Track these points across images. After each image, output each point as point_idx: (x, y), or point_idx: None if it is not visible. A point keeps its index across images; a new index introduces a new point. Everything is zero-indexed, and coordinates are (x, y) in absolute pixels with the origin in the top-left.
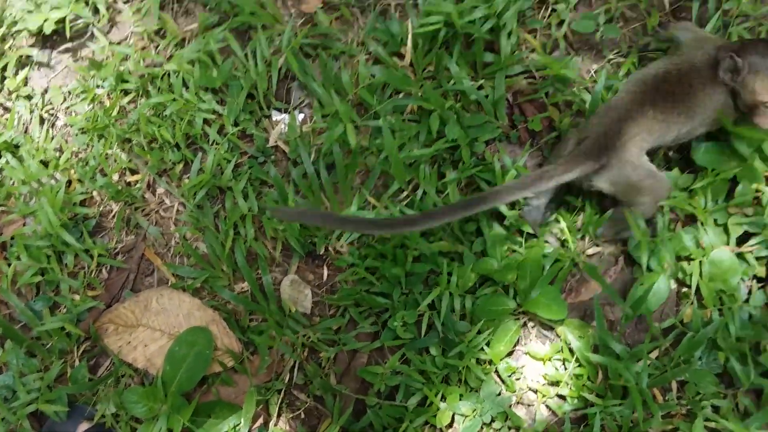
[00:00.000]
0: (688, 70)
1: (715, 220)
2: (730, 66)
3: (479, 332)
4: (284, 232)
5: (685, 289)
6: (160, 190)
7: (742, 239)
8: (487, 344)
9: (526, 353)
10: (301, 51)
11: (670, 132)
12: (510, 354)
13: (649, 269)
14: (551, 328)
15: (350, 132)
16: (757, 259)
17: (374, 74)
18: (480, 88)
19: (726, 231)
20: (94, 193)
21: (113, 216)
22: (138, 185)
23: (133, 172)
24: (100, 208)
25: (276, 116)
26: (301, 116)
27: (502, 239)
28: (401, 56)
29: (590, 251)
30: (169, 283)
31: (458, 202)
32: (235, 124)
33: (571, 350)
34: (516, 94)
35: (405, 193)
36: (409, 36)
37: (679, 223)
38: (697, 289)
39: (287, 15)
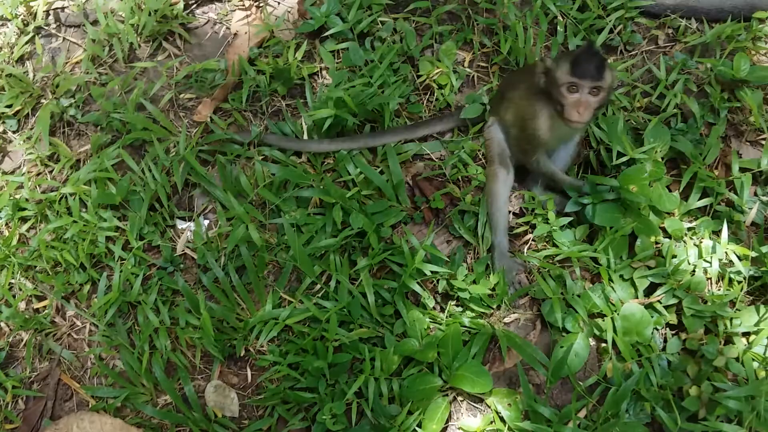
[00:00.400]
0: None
1: (621, 276)
2: (540, 68)
3: (410, 413)
4: (201, 339)
5: (604, 344)
6: (69, 313)
7: (650, 290)
8: (419, 425)
9: (459, 429)
10: (198, 158)
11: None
12: (443, 431)
13: (566, 330)
14: (481, 400)
15: (254, 232)
16: (667, 307)
17: (273, 173)
18: (381, 172)
19: (633, 285)
20: (2, 324)
21: (24, 345)
22: (46, 311)
23: (40, 298)
24: (9, 339)
25: (181, 225)
26: (206, 222)
27: (421, 318)
28: (299, 153)
29: (507, 319)
30: (90, 406)
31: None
32: (140, 238)
33: (502, 419)
34: (415, 176)
35: (319, 285)
36: (305, 133)
37: (587, 282)
38: (615, 343)
39: (180, 126)
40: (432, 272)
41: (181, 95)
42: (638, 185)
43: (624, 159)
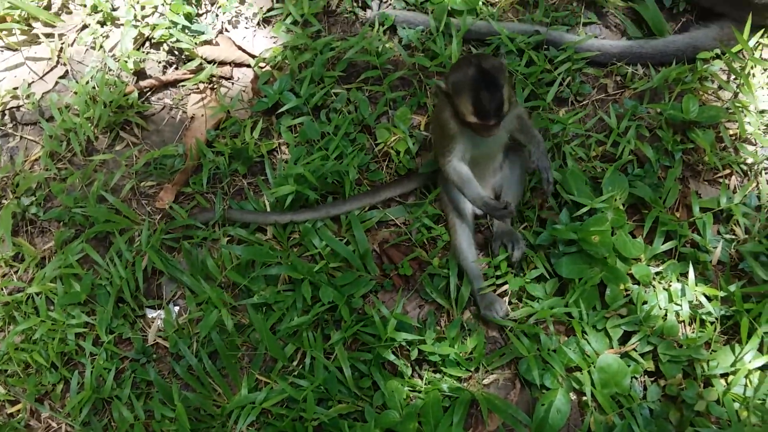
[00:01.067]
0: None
1: (595, 327)
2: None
3: None
4: None
5: (585, 398)
6: (44, 415)
7: (624, 339)
8: None
9: None
10: (164, 245)
11: None
12: None
13: (545, 387)
14: None
15: (225, 316)
16: (643, 355)
17: (239, 254)
18: (347, 243)
19: (607, 335)
20: None
21: None
22: (20, 415)
23: (13, 402)
24: None
25: (151, 314)
26: (176, 309)
27: (400, 388)
28: (264, 231)
29: (486, 380)
30: None
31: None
32: (111, 332)
33: None
34: (381, 244)
35: (295, 363)
36: (268, 208)
37: (563, 335)
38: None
39: (144, 214)
40: (405, 340)
41: (142, 183)
42: (600, 235)
43: (585, 209)
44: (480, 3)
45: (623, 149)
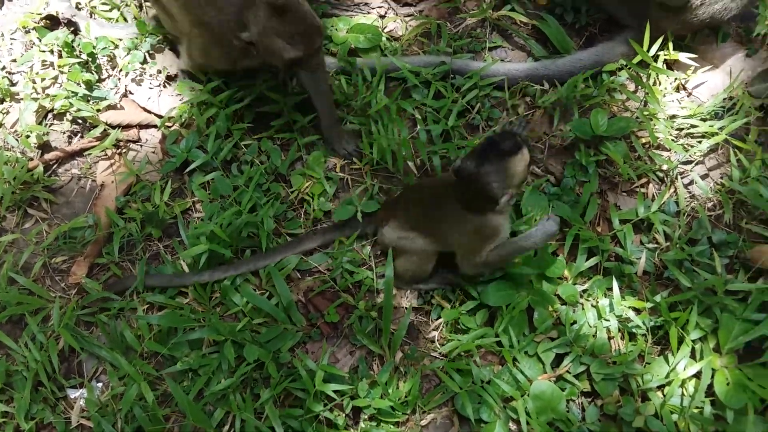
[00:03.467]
0: None
1: (526, 353)
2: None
3: None
4: None
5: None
6: None
7: (557, 362)
8: None
9: None
10: (80, 321)
11: None
12: None
13: (483, 421)
14: None
15: (145, 389)
16: (577, 376)
17: (159, 322)
18: (269, 297)
19: (539, 359)
20: None
21: None
22: None
23: None
24: None
25: (73, 394)
26: (99, 386)
27: None
28: (185, 294)
29: (424, 421)
30: None
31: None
32: (31, 418)
33: None
34: (306, 293)
35: (226, 427)
36: (185, 270)
37: (496, 365)
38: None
39: (58, 291)
40: (335, 392)
41: (53, 259)
42: (522, 257)
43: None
44: (383, 39)
45: (539, 168)
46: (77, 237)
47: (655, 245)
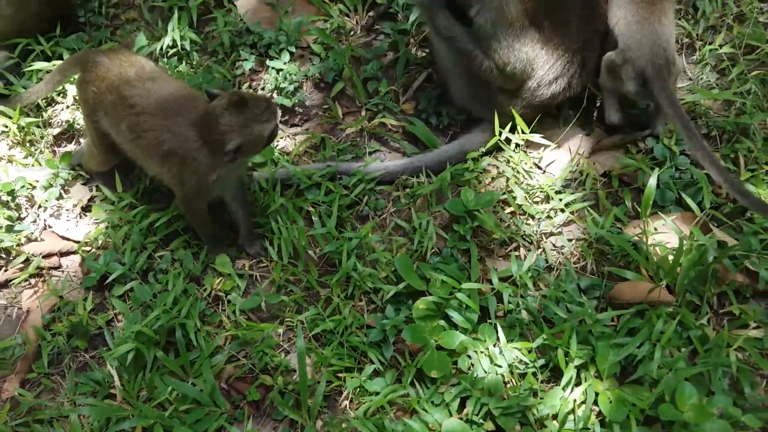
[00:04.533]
0: None
1: (433, 402)
2: None
3: None
4: None
5: None
6: None
7: (461, 406)
8: None
9: None
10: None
11: None
12: None
13: None
14: None
15: None
16: (483, 417)
17: (91, 413)
18: (194, 384)
19: (446, 406)
20: None
21: None
22: None
23: None
24: None
25: None
26: None
27: None
28: (113, 396)
29: None
30: None
31: None
32: None
33: None
34: (228, 380)
35: None
36: (115, 377)
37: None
38: None
39: None
40: None
41: None
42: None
43: None
44: (276, 153)
45: (425, 245)
46: (7, 357)
47: (535, 293)
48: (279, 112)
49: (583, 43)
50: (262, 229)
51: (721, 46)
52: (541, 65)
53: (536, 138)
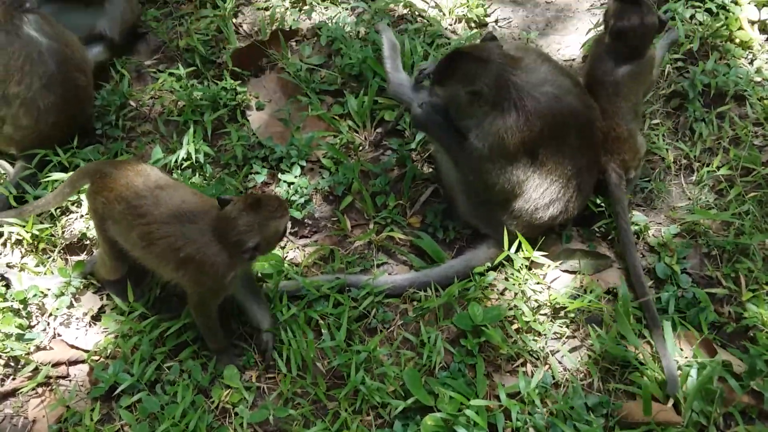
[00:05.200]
0: None
1: None
2: None
3: None
4: None
5: None
6: None
7: None
8: None
9: None
10: None
11: None
12: None
13: None
14: None
15: None
16: None
17: None
18: None
19: None
20: None
21: None
22: None
23: None
24: None
25: None
26: None
27: None
28: None
29: None
30: None
31: None
32: None
33: None
34: None
35: None
36: None
37: None
38: None
39: None
40: None
41: None
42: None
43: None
44: (285, 264)
45: (434, 360)
46: None
47: (540, 413)
48: (288, 211)
49: (578, 169)
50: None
51: (718, 167)
52: (534, 188)
53: (539, 256)
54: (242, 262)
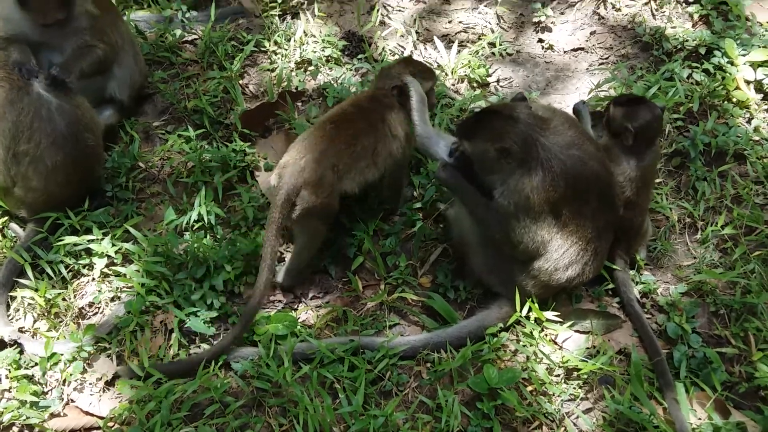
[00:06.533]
0: None
1: None
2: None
3: None
4: None
5: None
6: None
7: None
8: None
9: None
10: None
11: None
12: None
13: None
14: None
15: None
16: None
17: None
18: None
19: None
20: None
21: None
22: None
23: None
24: None
25: None
26: None
27: None
28: None
29: None
30: None
31: None
32: None
33: None
34: None
35: None
36: None
37: None
38: None
39: None
40: None
41: None
42: None
43: None
44: (298, 326)
45: (451, 426)
46: None
47: None
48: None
49: (597, 232)
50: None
51: (722, 226)
52: (556, 249)
53: (551, 316)
54: None
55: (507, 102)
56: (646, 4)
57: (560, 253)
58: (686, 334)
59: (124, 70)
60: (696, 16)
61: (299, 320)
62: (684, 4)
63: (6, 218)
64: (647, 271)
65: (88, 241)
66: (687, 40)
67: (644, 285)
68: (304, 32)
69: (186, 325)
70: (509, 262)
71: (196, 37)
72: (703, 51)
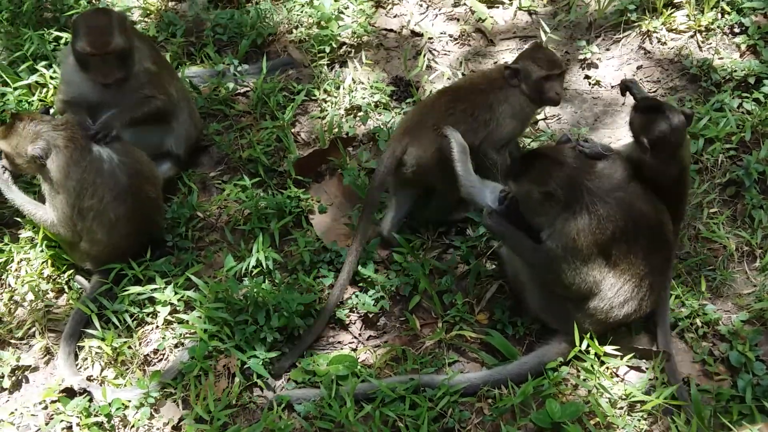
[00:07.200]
0: None
1: None
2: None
3: None
4: None
5: None
6: None
7: None
8: None
9: None
10: None
11: None
12: None
13: None
14: None
15: None
16: None
17: None
18: None
19: None
20: None
21: None
22: None
23: None
24: None
25: None
26: None
27: None
28: None
29: None
30: None
31: None
32: None
33: None
34: None
35: None
36: None
37: None
38: None
39: None
40: None
41: None
42: None
43: None
44: (358, 366)
45: None
46: None
47: None
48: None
49: (650, 269)
50: None
51: None
52: (609, 288)
53: (610, 350)
54: None
55: (553, 144)
56: (692, 36)
57: (614, 292)
58: (750, 362)
59: (181, 126)
60: (743, 47)
61: (359, 360)
62: (731, 35)
63: (72, 271)
64: (707, 302)
65: (152, 290)
66: (735, 71)
67: (706, 316)
68: (353, 79)
69: (245, 366)
70: (564, 301)
71: (248, 89)
72: (752, 81)
